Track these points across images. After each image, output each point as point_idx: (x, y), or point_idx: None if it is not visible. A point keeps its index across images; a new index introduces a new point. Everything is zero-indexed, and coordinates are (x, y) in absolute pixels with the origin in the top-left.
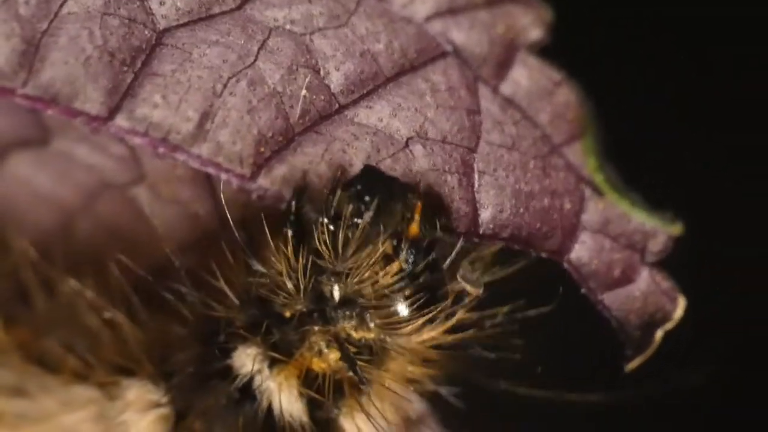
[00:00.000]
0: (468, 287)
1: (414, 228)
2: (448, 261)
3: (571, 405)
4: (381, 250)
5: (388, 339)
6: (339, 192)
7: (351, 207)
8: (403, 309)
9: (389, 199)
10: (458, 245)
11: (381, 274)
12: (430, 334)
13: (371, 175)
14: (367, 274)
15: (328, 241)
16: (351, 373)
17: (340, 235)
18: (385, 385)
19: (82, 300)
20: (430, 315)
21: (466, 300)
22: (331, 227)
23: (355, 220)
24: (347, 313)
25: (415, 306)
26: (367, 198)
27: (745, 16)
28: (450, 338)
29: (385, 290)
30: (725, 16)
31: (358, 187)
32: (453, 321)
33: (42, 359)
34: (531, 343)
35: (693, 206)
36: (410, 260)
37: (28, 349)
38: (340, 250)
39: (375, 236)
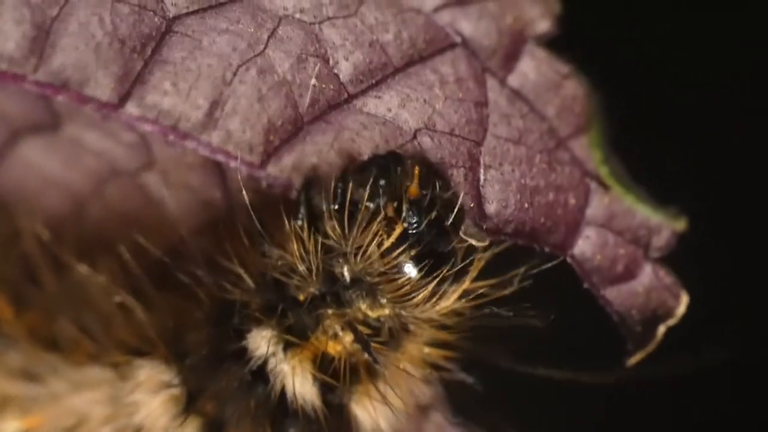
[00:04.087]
0: (473, 240)
1: (413, 189)
2: (449, 219)
3: (583, 388)
4: (383, 215)
5: (403, 312)
6: (346, 179)
7: (356, 190)
8: (411, 271)
9: (386, 171)
10: (458, 203)
11: (385, 238)
12: (444, 303)
13: (375, 162)
14: (373, 248)
15: (336, 224)
16: (365, 355)
17: (345, 216)
18: (400, 368)
19: (92, 283)
20: (440, 277)
21: (474, 256)
22: (337, 209)
23: (357, 200)
24: (358, 292)
25: (423, 270)
26: (369, 178)
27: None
28: (464, 305)
29: (392, 257)
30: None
31: (364, 173)
32: (464, 285)
33: (53, 342)
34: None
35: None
36: (413, 220)
37: (38, 332)
38: (347, 231)
39: (378, 212)
